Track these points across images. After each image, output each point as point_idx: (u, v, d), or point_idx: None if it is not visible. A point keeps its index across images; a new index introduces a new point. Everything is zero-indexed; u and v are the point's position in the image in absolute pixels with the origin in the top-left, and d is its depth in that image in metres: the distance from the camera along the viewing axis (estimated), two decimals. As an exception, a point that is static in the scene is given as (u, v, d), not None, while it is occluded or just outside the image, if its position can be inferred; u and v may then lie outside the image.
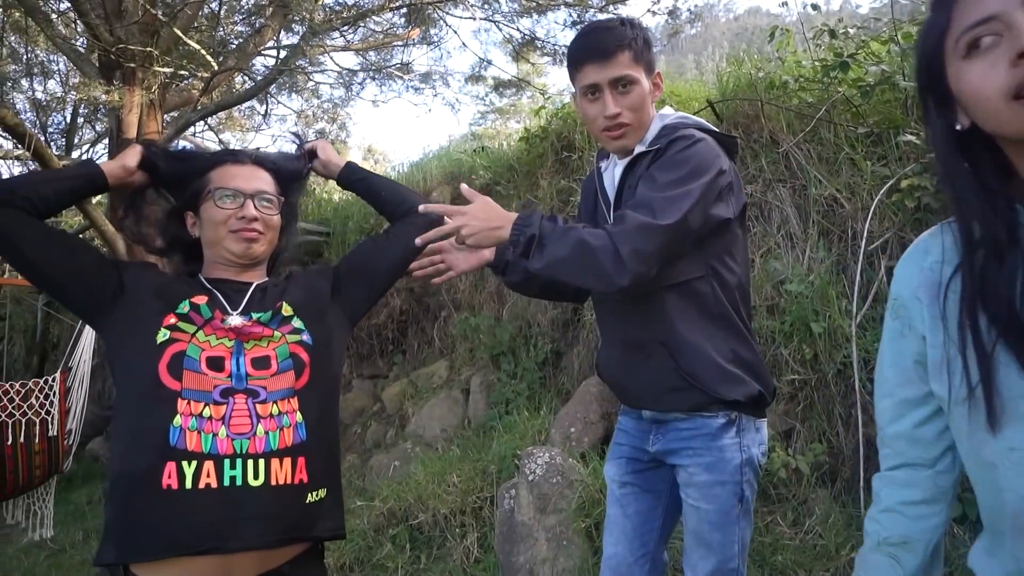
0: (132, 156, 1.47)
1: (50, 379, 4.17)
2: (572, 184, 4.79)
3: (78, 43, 6.15)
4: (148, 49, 4.98)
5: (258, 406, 1.28)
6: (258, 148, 1.74)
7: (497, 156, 6.12)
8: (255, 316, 1.39)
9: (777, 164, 3.31)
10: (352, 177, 1.66)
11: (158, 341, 1.30)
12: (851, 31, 3.20)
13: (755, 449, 1.58)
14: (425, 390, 5.16)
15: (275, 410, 1.29)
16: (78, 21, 5.03)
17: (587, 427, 3.38)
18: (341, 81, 8.91)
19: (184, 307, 1.36)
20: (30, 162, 4.63)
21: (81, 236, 6.42)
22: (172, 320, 1.33)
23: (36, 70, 8.27)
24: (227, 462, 1.23)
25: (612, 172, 1.66)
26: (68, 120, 9.32)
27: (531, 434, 3.58)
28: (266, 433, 1.27)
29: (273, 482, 1.25)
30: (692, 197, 1.41)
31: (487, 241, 1.42)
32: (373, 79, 8.76)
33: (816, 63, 3.27)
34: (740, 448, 1.55)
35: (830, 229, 3.02)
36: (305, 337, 1.38)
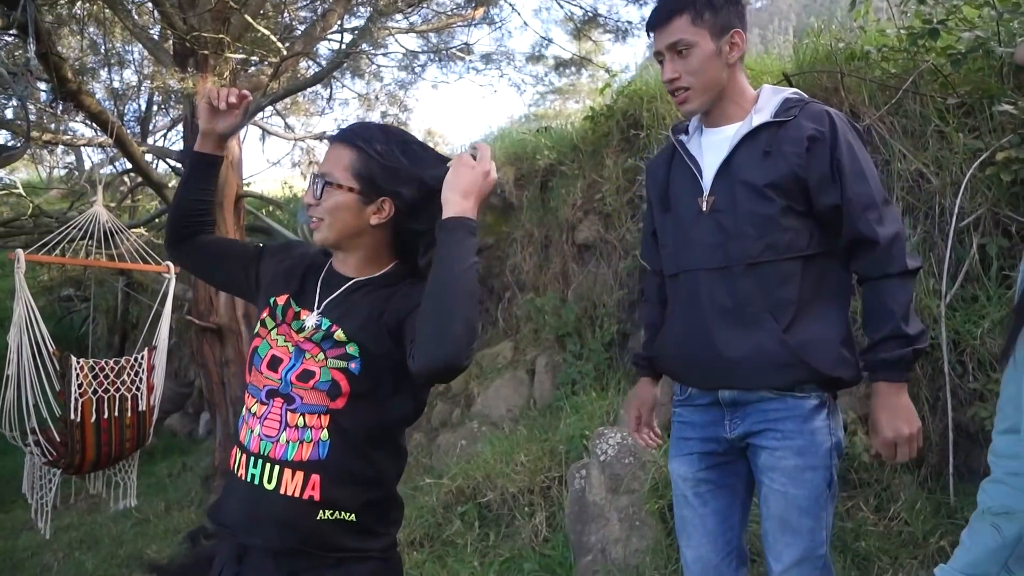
0: (202, 113, 1.47)
1: (139, 357, 4.38)
2: (639, 163, 4.71)
3: (153, 32, 6.34)
4: (220, 36, 5.10)
5: (289, 413, 1.30)
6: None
7: (560, 136, 6.06)
8: (323, 325, 1.34)
9: (858, 138, 3.18)
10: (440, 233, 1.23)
11: (255, 332, 1.42)
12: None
13: (840, 432, 1.56)
14: (490, 371, 5.19)
15: (301, 422, 1.29)
16: (154, 11, 5.18)
17: (657, 408, 3.34)
18: (403, 63, 8.97)
19: (271, 302, 1.42)
20: (111, 149, 4.82)
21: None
22: (265, 314, 1.41)
23: (113, 60, 8.58)
24: (252, 460, 1.30)
25: (698, 141, 1.67)
26: (143, 108, 9.68)
27: (599, 415, 3.57)
28: (287, 442, 1.29)
29: (283, 491, 1.27)
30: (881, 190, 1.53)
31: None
32: (434, 61, 8.80)
33: (901, 31, 3.11)
34: (830, 431, 1.51)
35: (915, 205, 2.89)
36: (353, 366, 1.29)
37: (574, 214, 5.13)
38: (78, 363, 4.09)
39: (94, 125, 7.52)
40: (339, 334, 1.33)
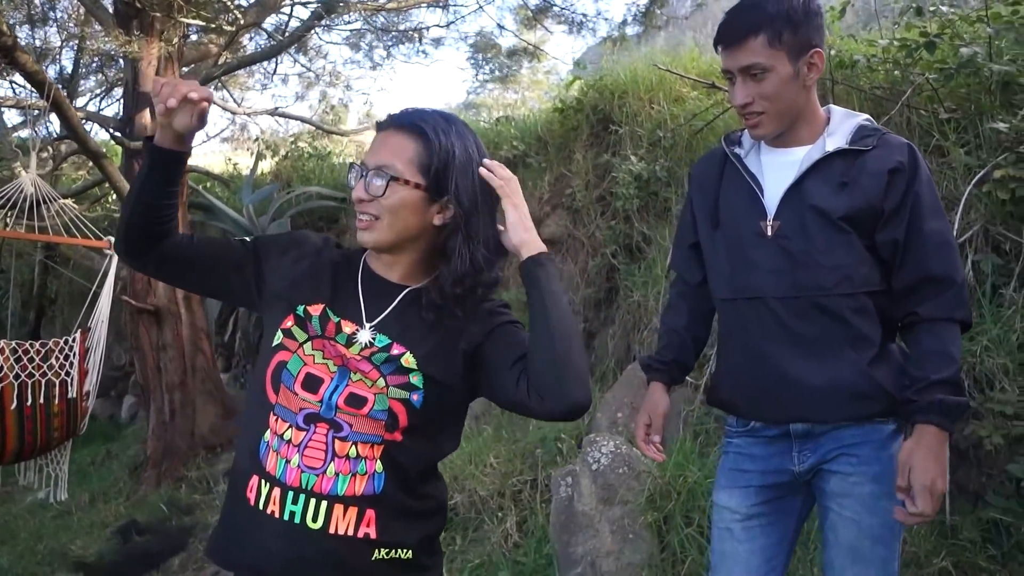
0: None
1: (70, 339, 4.03)
2: (610, 159, 4.64)
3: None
4: (171, -2, 4.75)
5: (337, 442, 1.14)
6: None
7: (524, 127, 5.94)
8: (379, 342, 1.18)
9: (846, 148, 3.17)
10: (529, 276, 1.17)
11: (273, 343, 1.21)
12: (943, 8, 3.04)
13: None
14: (450, 365, 5.04)
15: (353, 452, 1.14)
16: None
17: (634, 413, 3.28)
18: (351, 41, 8.65)
19: (300, 311, 1.21)
20: (49, 112, 4.42)
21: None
22: (289, 323, 1.21)
23: (36, 15, 7.96)
24: (291, 494, 1.13)
25: (759, 159, 1.55)
26: (71, 69, 9.03)
27: (573, 416, 3.47)
28: (336, 474, 1.13)
29: (332, 530, 1.12)
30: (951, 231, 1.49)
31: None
32: (383, 41, 8.52)
33: (894, 42, 3.11)
34: None
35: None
36: (415, 398, 1.16)
37: (541, 208, 5.02)
38: (-2, 345, 3.73)
39: (17, 85, 6.96)
40: (408, 359, 1.17)
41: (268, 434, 1.17)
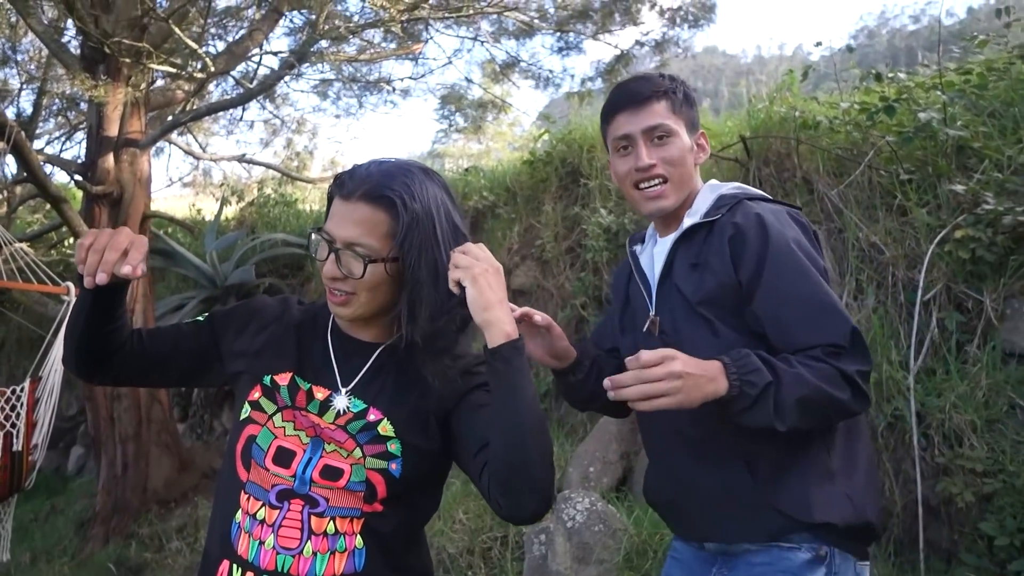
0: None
1: (18, 389, 3.85)
2: (580, 211, 4.69)
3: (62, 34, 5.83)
4: (140, 44, 4.72)
5: (313, 519, 1.08)
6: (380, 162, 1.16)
7: (493, 177, 5.99)
8: (354, 407, 1.14)
9: (811, 206, 3.25)
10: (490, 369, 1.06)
11: (241, 417, 1.16)
12: (901, 75, 3.17)
13: None
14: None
15: (331, 528, 1.08)
16: (65, 11, 4.74)
17: (606, 467, 3.25)
18: (318, 90, 8.70)
19: (267, 379, 1.16)
20: (6, 154, 4.31)
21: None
22: (257, 395, 1.16)
23: (-4, 58, 7.85)
24: None
25: (651, 252, 1.47)
26: (30, 111, 8.89)
27: (543, 471, 3.42)
28: (314, 554, 1.07)
29: None
30: (828, 292, 1.26)
31: (694, 398, 1.11)
32: (350, 92, 8.59)
33: (855, 104, 3.23)
34: None
35: (872, 276, 2.96)
36: (394, 467, 1.10)
37: (510, 259, 5.03)
38: (-61, 393, 3.55)
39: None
40: (385, 427, 1.12)
41: (239, 515, 1.11)
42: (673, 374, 1.08)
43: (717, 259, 1.29)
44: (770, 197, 1.43)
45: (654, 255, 1.45)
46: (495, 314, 1.04)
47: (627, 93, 1.42)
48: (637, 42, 7.65)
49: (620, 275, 1.59)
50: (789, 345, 1.22)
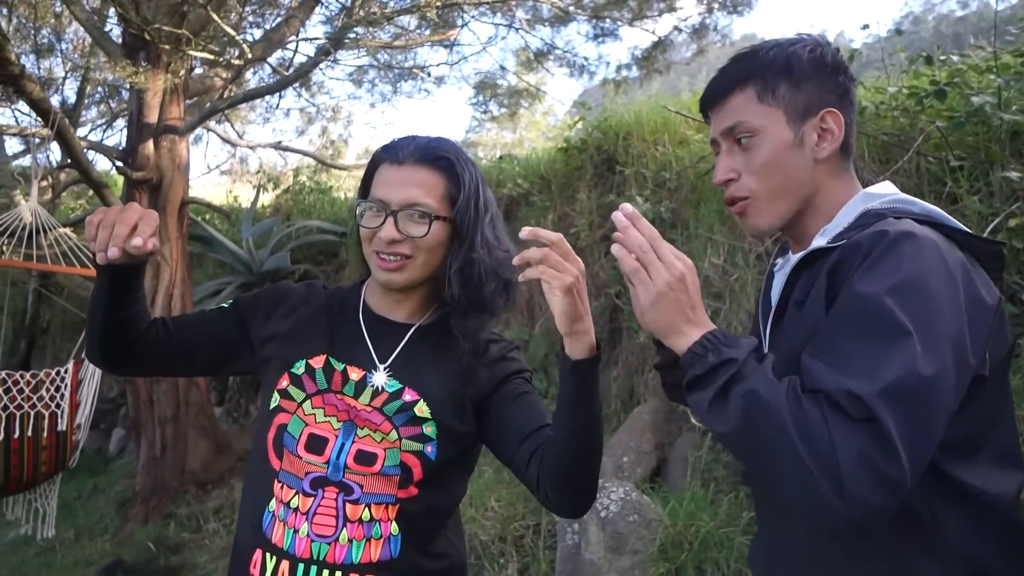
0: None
1: (63, 370, 3.94)
2: (615, 199, 4.64)
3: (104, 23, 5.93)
4: (179, 31, 4.77)
5: (348, 506, 1.08)
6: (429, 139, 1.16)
7: (527, 165, 5.96)
8: (389, 387, 1.13)
9: (856, 193, 3.16)
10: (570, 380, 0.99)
11: (270, 406, 1.15)
12: (953, 58, 3.06)
13: None
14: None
15: (366, 515, 1.08)
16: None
17: (640, 457, 3.21)
18: (354, 78, 8.74)
19: (299, 367, 1.15)
20: (51, 141, 4.40)
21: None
22: (285, 383, 1.15)
23: (43, 47, 8.02)
24: (301, 567, 1.06)
25: (783, 272, 1.10)
26: (74, 99, 9.08)
27: (577, 460, 3.40)
28: (350, 541, 1.07)
29: None
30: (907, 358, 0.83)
31: (661, 322, 0.94)
32: (385, 79, 8.61)
33: (903, 89, 3.13)
34: None
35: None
36: (429, 449, 1.10)
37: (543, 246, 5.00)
38: (-12, 375, 3.64)
39: (21, 113, 6.97)
40: (421, 408, 1.11)
41: (273, 503, 1.10)
42: (675, 271, 0.92)
43: (814, 296, 0.98)
44: (946, 219, 0.99)
45: (781, 279, 1.11)
46: (585, 325, 0.97)
47: (711, 83, 1.12)
48: (675, 28, 7.55)
49: (761, 297, 1.24)
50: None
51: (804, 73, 1.05)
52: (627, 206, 0.97)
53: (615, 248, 0.95)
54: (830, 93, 1.05)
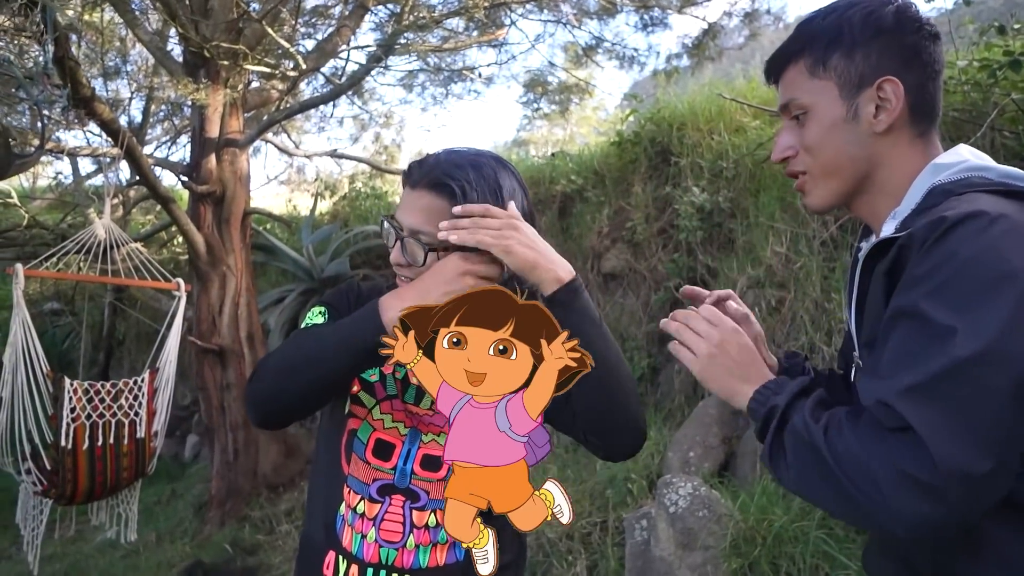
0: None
1: (139, 380, 4.10)
2: (671, 190, 4.57)
3: (166, 43, 6.14)
4: (237, 46, 4.90)
5: (415, 512, 1.09)
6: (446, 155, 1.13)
7: (580, 161, 5.93)
8: None
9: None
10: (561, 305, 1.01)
11: (345, 411, 1.17)
12: (1028, 27, 2.91)
13: None
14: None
15: (432, 520, 1.10)
16: (168, 20, 4.99)
17: (707, 451, 3.15)
18: (405, 82, 8.83)
19: (372, 373, 1.15)
20: (121, 159, 4.58)
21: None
22: (356, 388, 1.15)
23: (111, 68, 8.36)
24: (370, 571, 1.09)
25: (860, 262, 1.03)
26: (140, 118, 9.45)
27: (642, 457, 3.36)
28: (416, 547, 1.09)
29: None
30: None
31: (717, 390, 0.98)
32: (435, 82, 8.68)
33: (974, 62, 2.99)
34: None
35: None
36: None
37: (600, 242, 4.96)
38: (71, 385, 3.81)
39: (91, 134, 7.27)
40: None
41: (343, 507, 1.13)
42: (712, 339, 0.97)
43: (876, 291, 0.91)
44: None
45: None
46: (543, 267, 1.01)
47: (771, 58, 1.07)
48: (725, 13, 7.39)
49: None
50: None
51: (858, 40, 0.98)
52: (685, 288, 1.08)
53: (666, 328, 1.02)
54: (892, 58, 0.97)
